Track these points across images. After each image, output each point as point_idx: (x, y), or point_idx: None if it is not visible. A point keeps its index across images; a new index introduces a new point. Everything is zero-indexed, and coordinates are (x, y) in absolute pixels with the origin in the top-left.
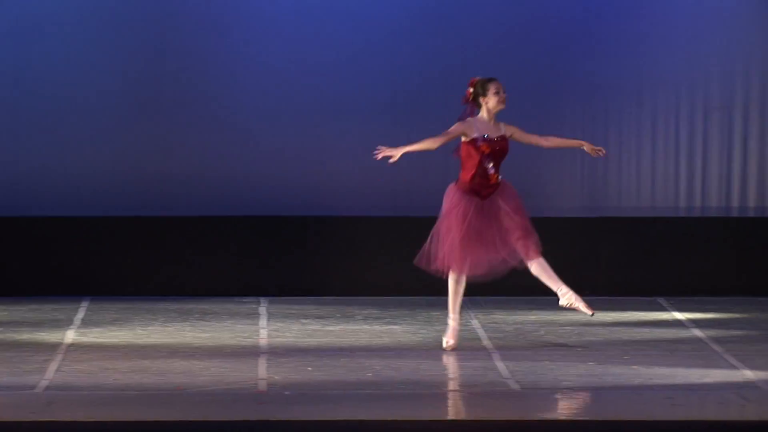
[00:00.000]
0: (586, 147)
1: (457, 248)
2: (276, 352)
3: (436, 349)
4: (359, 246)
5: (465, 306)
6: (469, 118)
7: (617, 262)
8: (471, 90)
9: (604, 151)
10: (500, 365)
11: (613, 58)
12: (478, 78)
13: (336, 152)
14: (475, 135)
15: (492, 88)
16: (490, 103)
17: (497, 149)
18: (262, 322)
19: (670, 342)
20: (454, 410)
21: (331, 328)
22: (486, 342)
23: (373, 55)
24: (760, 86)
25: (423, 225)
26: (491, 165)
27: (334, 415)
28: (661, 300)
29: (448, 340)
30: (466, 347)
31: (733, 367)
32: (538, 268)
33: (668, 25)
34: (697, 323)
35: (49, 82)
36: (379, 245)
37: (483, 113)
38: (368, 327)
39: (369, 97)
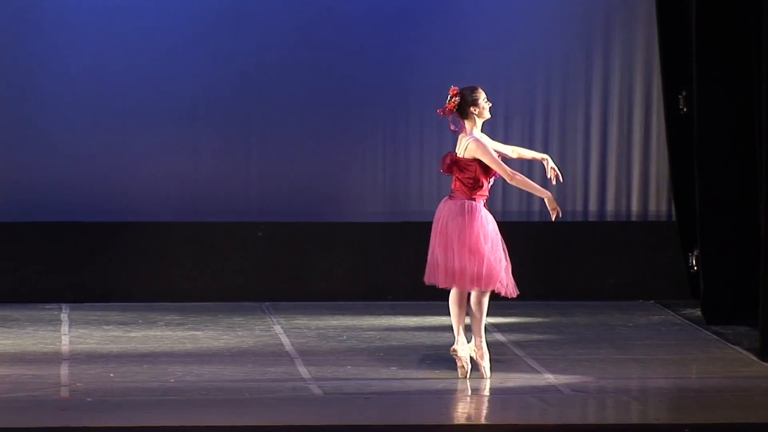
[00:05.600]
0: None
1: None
2: (78, 359)
3: (239, 355)
4: (161, 252)
5: (266, 311)
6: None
7: (419, 267)
8: (457, 100)
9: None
10: (303, 370)
11: (421, 64)
12: (459, 88)
13: (137, 158)
14: None
15: (482, 96)
16: (484, 112)
17: None
18: (64, 328)
19: None
20: (256, 416)
21: (133, 334)
22: (288, 348)
23: (172, 60)
24: (561, 91)
25: (223, 231)
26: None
27: (136, 422)
28: None
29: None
30: (268, 353)
31: (534, 371)
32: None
33: (475, 29)
34: (498, 327)
35: None
36: (181, 251)
37: (472, 124)
38: (171, 333)
39: (170, 102)
